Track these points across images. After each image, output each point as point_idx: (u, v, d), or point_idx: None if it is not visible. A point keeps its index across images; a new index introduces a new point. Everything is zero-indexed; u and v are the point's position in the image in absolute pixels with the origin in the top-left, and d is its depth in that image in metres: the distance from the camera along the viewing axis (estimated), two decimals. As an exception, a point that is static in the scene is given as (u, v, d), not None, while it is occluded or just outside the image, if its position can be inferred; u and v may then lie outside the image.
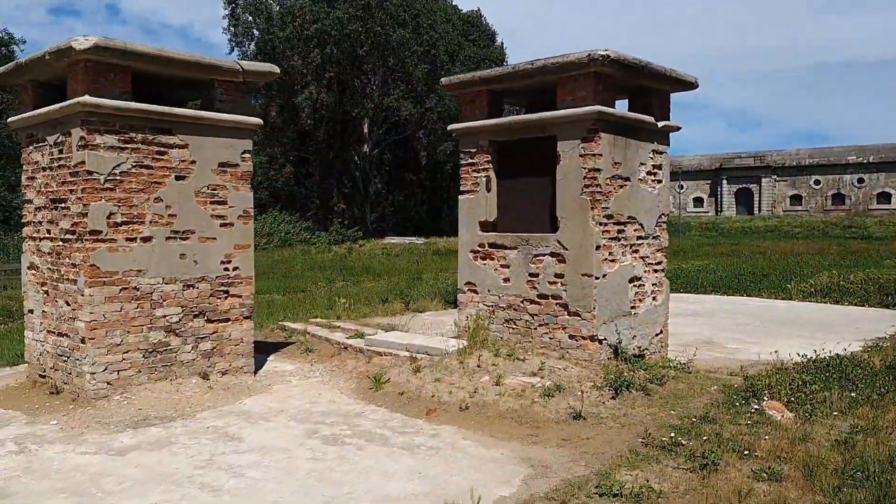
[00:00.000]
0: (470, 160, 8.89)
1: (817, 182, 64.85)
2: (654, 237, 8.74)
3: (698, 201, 71.95)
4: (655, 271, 8.80)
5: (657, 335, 8.82)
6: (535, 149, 8.32)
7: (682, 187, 71.83)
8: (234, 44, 47.25)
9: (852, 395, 7.05)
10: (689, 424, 6.26)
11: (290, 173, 49.76)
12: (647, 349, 8.61)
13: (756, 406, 6.69)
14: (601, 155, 7.80)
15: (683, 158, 73.91)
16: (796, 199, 65.85)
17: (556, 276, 8.03)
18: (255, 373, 8.24)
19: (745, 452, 5.60)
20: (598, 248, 7.80)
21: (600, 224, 7.83)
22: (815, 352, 8.83)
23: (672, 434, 6.00)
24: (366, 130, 48.35)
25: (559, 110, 7.97)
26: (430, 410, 6.81)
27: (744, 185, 68.73)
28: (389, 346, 8.69)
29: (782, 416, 6.53)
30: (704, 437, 5.91)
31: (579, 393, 7.04)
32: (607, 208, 7.92)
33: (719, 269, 21.36)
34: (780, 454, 5.58)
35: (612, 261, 8.04)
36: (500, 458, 5.64)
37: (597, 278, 7.77)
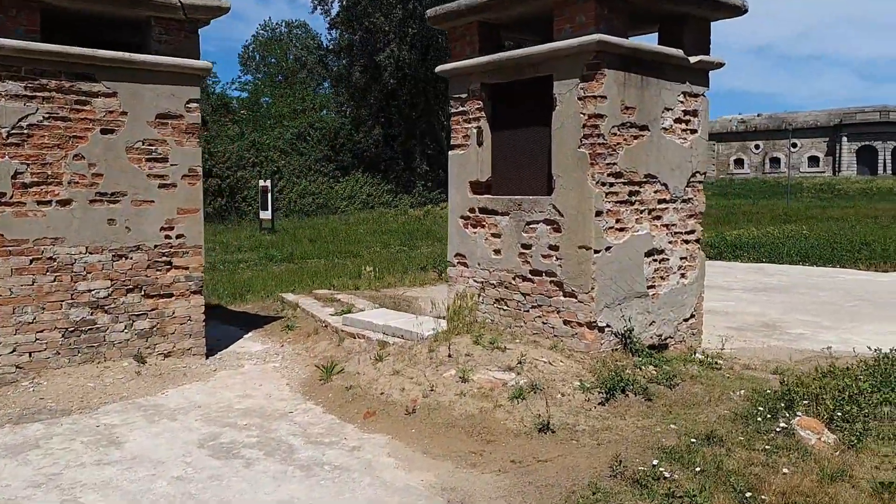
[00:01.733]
0: (460, 108, 7.40)
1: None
2: (683, 200, 6.96)
3: (813, 161, 65.38)
4: (686, 242, 7.04)
5: (686, 320, 7.10)
6: (532, 93, 6.73)
7: (795, 146, 65.44)
8: (316, 2, 46.67)
9: (929, 412, 5.17)
10: (687, 446, 4.69)
11: (380, 135, 49.20)
12: (670, 338, 6.93)
13: (784, 423, 4.97)
14: (605, 97, 6.11)
15: (798, 115, 67.18)
16: (929, 156, 58.27)
17: (551, 248, 6.49)
18: (213, 354, 7.32)
19: (749, 494, 4.01)
20: (599, 213, 6.18)
21: (603, 184, 6.19)
22: (903, 345, 6.83)
23: (656, 461, 4.46)
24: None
25: (554, 42, 6.32)
26: (368, 413, 5.59)
27: (866, 143, 61.57)
28: (365, 327, 7.51)
29: (819, 438, 4.81)
30: (699, 468, 4.35)
31: (559, 396, 5.57)
32: (614, 164, 6.25)
33: (818, 235, 18.51)
34: (799, 498, 3.95)
35: (621, 230, 6.39)
36: (416, 488, 4.35)
37: (597, 252, 6.17)
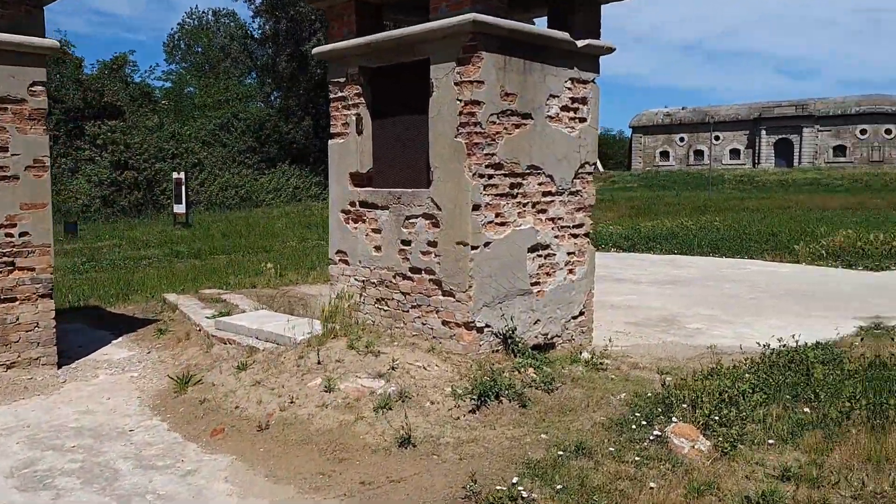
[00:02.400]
0: (339, 93, 6.85)
1: (863, 132, 59.83)
2: (571, 193, 6.62)
3: (734, 153, 67.56)
4: (574, 237, 6.71)
5: (575, 318, 6.78)
6: (412, 78, 6.24)
7: (717, 139, 67.50)
8: (243, -8, 44.86)
9: (806, 410, 4.98)
10: (553, 460, 4.32)
11: (310, 126, 47.79)
12: (558, 337, 6.60)
13: (659, 430, 4.66)
14: (482, 82, 5.68)
15: (720, 108, 69.26)
16: (839, 150, 61.03)
17: (430, 244, 6.03)
18: (69, 363, 6.57)
19: (611, 515, 3.65)
20: (476, 207, 5.75)
21: (481, 176, 5.76)
22: (794, 337, 6.71)
23: (517, 478, 4.06)
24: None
25: (430, 22, 5.84)
26: (216, 430, 5.01)
27: (783, 136, 64.03)
28: (237, 332, 6.90)
29: (693, 445, 4.52)
30: (560, 485, 3.97)
31: (428, 404, 5.13)
32: (493, 155, 5.84)
33: (730, 226, 18.79)
34: (662, 519, 3.63)
35: (502, 224, 5.99)
36: (243, 519, 3.80)
37: (475, 248, 5.75)
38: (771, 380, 5.54)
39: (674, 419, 4.81)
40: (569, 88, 6.49)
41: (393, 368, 5.48)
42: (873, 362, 5.96)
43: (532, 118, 6.14)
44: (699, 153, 68.84)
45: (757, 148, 65.73)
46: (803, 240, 14.86)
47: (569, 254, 6.65)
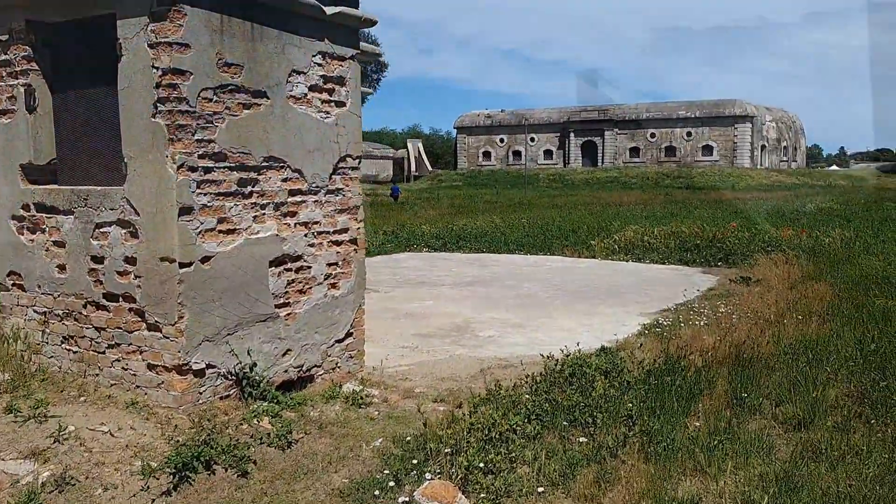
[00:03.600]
0: (2, 56, 4.95)
1: (653, 135, 65.72)
2: (329, 191, 5.32)
3: (548, 154, 71.16)
4: (336, 244, 5.42)
5: (340, 341, 5.49)
6: (100, 38, 4.54)
7: (533, 140, 70.66)
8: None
9: (582, 440, 4.12)
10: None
11: None
12: (317, 367, 5.27)
13: (406, 496, 3.50)
14: (187, 46, 4.17)
15: (535, 112, 72.56)
16: (635, 151, 66.53)
17: (128, 261, 4.41)
18: None
19: None
20: (187, 210, 4.24)
21: (193, 169, 4.26)
22: (578, 344, 5.98)
23: None
24: None
25: (113, -37, 4.22)
26: None
27: (589, 139, 68.49)
28: None
29: (449, 515, 3.40)
30: None
31: (99, 491, 3.55)
32: (210, 142, 4.36)
33: (535, 223, 18.76)
34: None
35: (230, 232, 4.53)
36: None
37: (185, 265, 4.24)
38: (549, 402, 4.65)
39: (427, 475, 3.68)
40: (319, 65, 5.17)
41: (58, 441, 3.82)
42: (652, 370, 5.35)
43: (268, 97, 4.74)
44: (517, 153, 71.63)
45: (567, 149, 69.70)
46: (599, 235, 14.97)
47: (329, 265, 5.34)
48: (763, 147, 65.35)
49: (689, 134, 63.96)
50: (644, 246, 13.39)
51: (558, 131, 70.50)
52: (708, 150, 63.26)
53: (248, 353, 4.62)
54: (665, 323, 7.48)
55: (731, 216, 19.51)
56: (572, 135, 69.28)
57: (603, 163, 66.83)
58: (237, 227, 4.58)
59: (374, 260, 12.89)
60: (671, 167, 60.49)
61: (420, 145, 70.49)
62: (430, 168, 68.74)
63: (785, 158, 70.18)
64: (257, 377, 4.63)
